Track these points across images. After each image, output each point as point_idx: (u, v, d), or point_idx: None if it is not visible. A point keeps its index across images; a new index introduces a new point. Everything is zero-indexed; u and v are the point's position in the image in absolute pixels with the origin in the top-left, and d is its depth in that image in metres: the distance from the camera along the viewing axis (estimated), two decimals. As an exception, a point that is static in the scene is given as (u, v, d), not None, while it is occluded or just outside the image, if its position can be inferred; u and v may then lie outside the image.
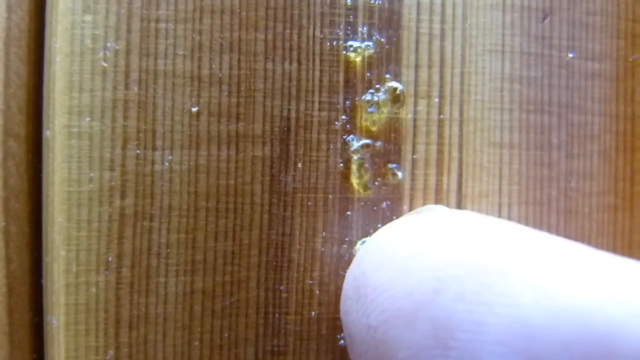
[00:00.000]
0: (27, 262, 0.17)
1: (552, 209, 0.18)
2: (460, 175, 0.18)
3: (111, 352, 0.17)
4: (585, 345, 0.11)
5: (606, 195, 0.19)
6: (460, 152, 0.18)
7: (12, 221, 0.17)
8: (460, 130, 0.18)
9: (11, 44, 0.17)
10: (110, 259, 0.17)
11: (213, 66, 0.17)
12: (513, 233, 0.14)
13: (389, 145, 0.18)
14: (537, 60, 0.18)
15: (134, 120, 0.17)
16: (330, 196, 0.17)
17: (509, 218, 0.18)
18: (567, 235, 0.19)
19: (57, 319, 0.17)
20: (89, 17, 0.16)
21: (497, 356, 0.12)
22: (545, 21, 0.18)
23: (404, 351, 0.13)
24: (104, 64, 0.16)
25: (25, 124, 0.17)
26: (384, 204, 0.18)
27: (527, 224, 0.18)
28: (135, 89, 0.17)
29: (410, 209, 0.18)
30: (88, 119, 0.16)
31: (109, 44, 0.16)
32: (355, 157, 0.17)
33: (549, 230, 0.18)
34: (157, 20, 0.17)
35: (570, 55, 0.19)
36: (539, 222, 0.18)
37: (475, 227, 0.14)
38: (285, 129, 0.17)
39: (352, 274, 0.15)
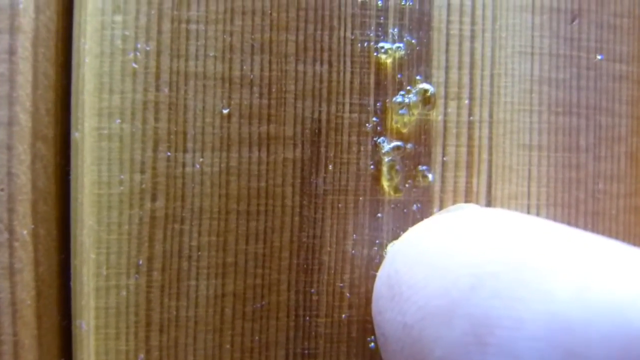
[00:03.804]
0: (55, 265, 0.17)
1: (579, 211, 0.18)
2: (489, 177, 0.18)
3: (142, 355, 0.17)
4: (624, 339, 0.11)
5: (633, 197, 0.19)
6: (490, 154, 0.18)
7: (40, 224, 0.17)
8: (490, 132, 0.18)
9: (39, 44, 0.17)
10: (140, 262, 0.16)
11: (244, 67, 0.17)
12: (547, 230, 0.14)
13: (419, 147, 0.18)
14: (565, 62, 0.18)
15: (164, 122, 0.16)
16: (360, 198, 0.17)
17: (538, 220, 0.18)
18: (595, 237, 0.19)
19: (87, 323, 0.17)
20: (119, 18, 0.16)
21: (535, 351, 0.12)
22: (574, 23, 0.18)
23: (441, 349, 0.13)
24: (135, 65, 0.16)
25: (54, 126, 0.17)
26: (415, 206, 0.18)
27: (555, 226, 0.18)
28: (166, 90, 0.16)
29: (440, 211, 0.18)
30: (118, 120, 0.16)
31: (139, 45, 0.16)
32: (386, 159, 0.17)
33: (577, 232, 0.18)
34: (188, 21, 0.16)
35: (599, 57, 0.19)
36: (567, 223, 0.18)
37: (509, 225, 0.14)
38: (316, 130, 0.17)
39: (385, 272, 0.15)
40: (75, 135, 0.17)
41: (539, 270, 0.12)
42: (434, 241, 0.14)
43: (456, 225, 0.15)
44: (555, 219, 0.18)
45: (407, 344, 0.13)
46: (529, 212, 0.18)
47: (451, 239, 0.14)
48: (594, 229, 0.19)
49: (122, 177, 0.16)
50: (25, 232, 0.17)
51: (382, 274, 0.16)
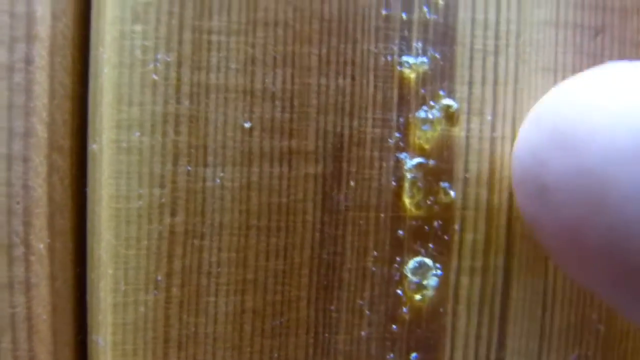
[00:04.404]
0: (70, 279, 0.17)
1: (600, 228, 0.18)
2: (510, 194, 0.18)
3: (159, 372, 0.16)
4: None
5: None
6: (512, 171, 0.18)
7: (56, 237, 0.16)
8: (512, 149, 0.18)
9: (56, 53, 0.16)
10: (159, 277, 0.16)
11: (266, 80, 0.16)
12: None
13: (442, 163, 0.17)
14: (588, 78, 0.18)
15: (185, 136, 0.16)
16: (382, 215, 0.17)
17: (558, 237, 0.18)
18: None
19: (104, 339, 0.16)
20: (138, 27, 0.16)
21: None
22: (597, 39, 0.18)
23: (628, 186, 0.13)
24: (155, 77, 0.16)
25: (70, 137, 0.17)
26: (436, 223, 0.17)
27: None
28: (187, 103, 0.16)
29: (462, 228, 0.18)
30: (138, 133, 0.16)
31: (159, 56, 0.16)
32: (408, 175, 0.17)
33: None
34: (210, 32, 0.16)
35: (622, 73, 0.18)
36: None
37: None
38: (339, 145, 0.17)
39: (550, 123, 0.15)
40: (92, 147, 0.17)
41: None
42: (610, 88, 0.14)
43: (629, 73, 0.14)
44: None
45: (582, 188, 0.13)
46: (549, 230, 0.18)
47: (631, 84, 0.14)
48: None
49: (141, 191, 0.16)
50: (41, 245, 0.16)
51: (543, 126, 0.15)
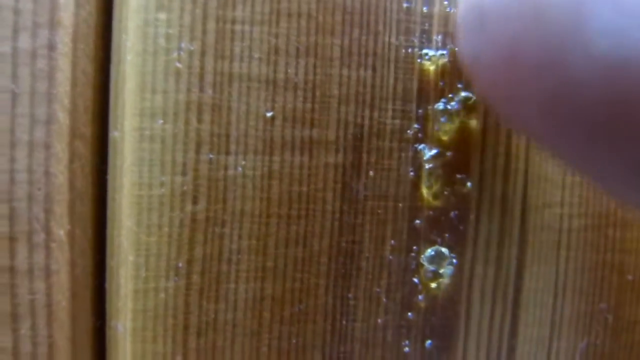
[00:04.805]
0: (90, 266, 0.17)
1: (609, 221, 0.19)
2: (525, 186, 0.18)
3: (179, 358, 0.17)
4: None
5: (659, 207, 0.20)
6: (526, 163, 0.18)
7: (76, 224, 0.17)
8: (527, 141, 0.18)
9: (79, 40, 0.16)
10: (180, 264, 0.16)
11: (289, 71, 0.17)
12: None
13: (459, 154, 0.18)
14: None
15: (207, 124, 0.16)
16: (400, 204, 0.17)
17: (569, 230, 0.19)
18: (623, 248, 0.19)
19: (124, 325, 0.16)
20: (163, 15, 0.16)
21: None
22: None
23: None
24: (178, 65, 0.16)
25: (91, 124, 0.17)
26: (452, 214, 0.18)
27: (586, 235, 0.19)
28: (210, 91, 0.16)
29: (477, 219, 0.18)
30: (161, 121, 0.16)
31: (183, 45, 0.16)
32: (426, 166, 0.17)
33: (606, 241, 0.19)
34: (233, 22, 0.16)
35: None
36: (597, 233, 0.19)
37: None
38: (359, 136, 0.17)
39: None
40: (114, 134, 0.17)
41: None
42: None
43: None
44: (586, 229, 0.19)
45: (518, 6, 0.13)
46: (561, 221, 0.18)
47: None
48: (623, 238, 0.19)
49: (163, 179, 0.16)
50: (62, 232, 0.16)
51: None
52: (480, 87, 0.15)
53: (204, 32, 0.16)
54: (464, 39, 0.15)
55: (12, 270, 0.16)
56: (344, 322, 0.17)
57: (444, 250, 0.18)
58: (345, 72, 0.17)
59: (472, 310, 0.18)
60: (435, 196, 0.18)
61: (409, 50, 0.17)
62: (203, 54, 0.16)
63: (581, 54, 0.12)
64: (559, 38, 0.12)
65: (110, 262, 0.17)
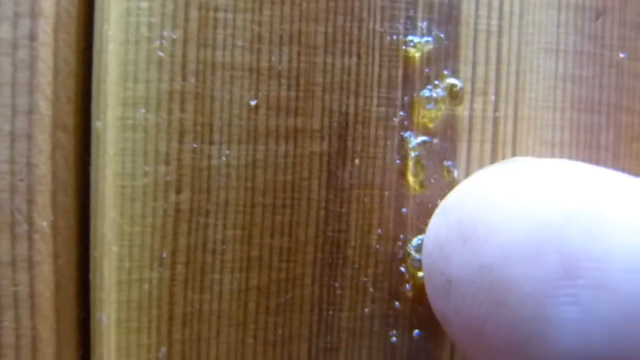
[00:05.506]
0: (74, 257, 0.17)
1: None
2: (513, 173, 0.18)
3: (164, 349, 0.16)
4: None
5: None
6: (514, 150, 0.18)
7: (60, 215, 0.16)
8: (514, 128, 0.18)
9: (60, 30, 0.16)
10: (164, 255, 0.16)
11: (272, 59, 0.16)
12: (611, 174, 0.14)
13: (445, 142, 0.18)
14: (589, 59, 0.18)
15: (190, 113, 0.16)
16: (386, 193, 0.17)
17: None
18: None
19: (108, 316, 0.16)
20: (144, 4, 0.16)
21: (626, 283, 0.12)
22: (598, 21, 0.19)
23: (527, 285, 0.13)
24: (160, 54, 0.16)
25: (74, 115, 0.17)
26: (439, 202, 0.18)
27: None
28: (193, 80, 0.16)
29: (465, 206, 0.18)
30: (143, 110, 0.16)
31: (165, 33, 0.16)
32: (412, 154, 0.17)
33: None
34: (216, 9, 0.16)
35: (622, 55, 0.19)
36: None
37: (581, 170, 0.14)
38: (344, 124, 0.17)
39: (454, 217, 0.15)
40: (96, 124, 0.16)
41: (622, 208, 0.13)
42: (510, 185, 0.14)
43: (529, 170, 0.15)
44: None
45: (484, 285, 0.13)
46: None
47: (530, 182, 0.14)
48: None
49: (146, 168, 0.16)
50: (45, 223, 0.16)
51: (449, 220, 0.15)
52: (453, 340, 0.16)
53: (186, 20, 0.16)
54: (430, 294, 0.15)
55: (-6, 261, 0.16)
56: (330, 312, 0.17)
57: (431, 239, 0.18)
58: (329, 59, 0.17)
59: (460, 299, 0.18)
60: (422, 184, 0.17)
61: (394, 37, 0.17)
62: (185, 42, 0.16)
63: (545, 349, 0.12)
64: (525, 330, 0.13)
65: (94, 253, 0.17)
